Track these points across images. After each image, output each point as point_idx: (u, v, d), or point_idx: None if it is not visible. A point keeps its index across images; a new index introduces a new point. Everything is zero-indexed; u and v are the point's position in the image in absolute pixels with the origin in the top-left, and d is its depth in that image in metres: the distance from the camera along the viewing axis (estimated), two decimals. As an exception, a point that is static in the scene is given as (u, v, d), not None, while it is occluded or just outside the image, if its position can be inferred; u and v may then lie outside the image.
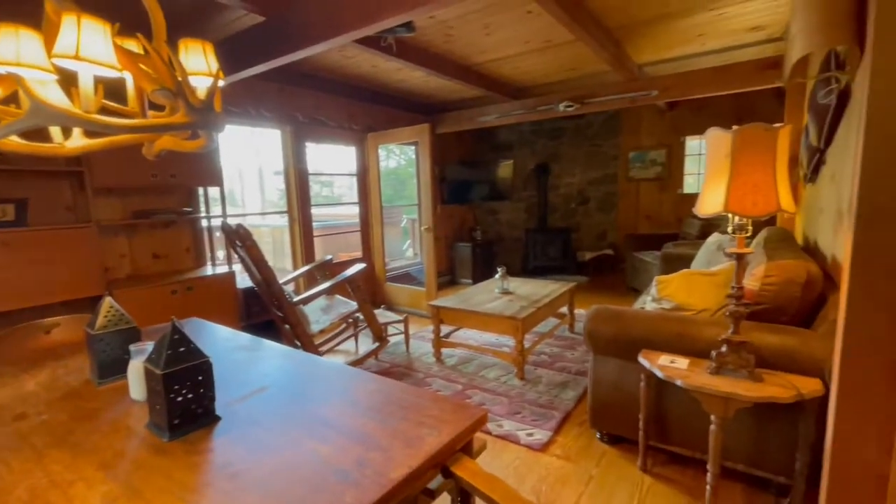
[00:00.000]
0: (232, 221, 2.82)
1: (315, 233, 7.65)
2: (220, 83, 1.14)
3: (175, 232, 3.20)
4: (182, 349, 1.03)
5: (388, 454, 0.90)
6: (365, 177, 4.85)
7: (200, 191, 3.34)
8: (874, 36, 1.01)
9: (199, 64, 1.07)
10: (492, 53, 3.60)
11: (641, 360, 1.76)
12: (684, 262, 3.62)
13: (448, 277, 6.12)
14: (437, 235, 5.99)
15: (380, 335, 3.23)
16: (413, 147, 5.80)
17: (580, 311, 4.36)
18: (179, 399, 1.01)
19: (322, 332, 3.23)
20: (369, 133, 4.70)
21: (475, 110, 5.05)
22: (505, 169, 6.47)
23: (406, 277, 5.30)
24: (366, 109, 4.60)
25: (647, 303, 2.18)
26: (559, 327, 3.66)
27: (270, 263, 2.80)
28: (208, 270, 3.25)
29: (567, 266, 6.26)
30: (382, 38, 2.77)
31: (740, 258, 1.55)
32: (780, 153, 1.40)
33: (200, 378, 1.04)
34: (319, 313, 3.33)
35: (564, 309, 3.78)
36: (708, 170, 1.55)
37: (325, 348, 3.49)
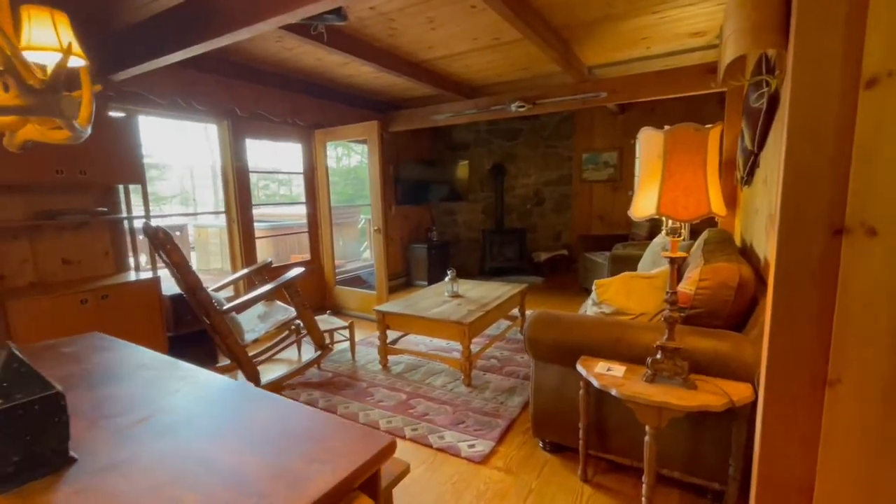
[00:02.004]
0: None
1: (266, 233, 7.35)
2: (80, 62, 0.96)
3: (90, 234, 2.90)
4: (21, 381, 0.85)
5: (264, 502, 0.76)
6: (312, 175, 4.63)
7: (131, 188, 3.05)
8: (794, 42, 0.97)
9: (45, 36, 0.89)
10: (440, 50, 3.49)
11: (579, 367, 1.70)
12: (632, 262, 3.65)
13: (404, 279, 5.98)
14: (393, 237, 5.84)
15: (321, 343, 3.05)
16: (366, 145, 5.62)
17: (533, 312, 4.34)
18: (17, 441, 0.83)
19: (258, 341, 3.03)
20: (316, 130, 4.49)
21: (429, 108, 4.94)
22: (463, 169, 6.40)
23: (357, 280, 5.11)
24: (313, 105, 4.39)
25: (588, 307, 2.13)
26: (510, 329, 3.61)
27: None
28: (131, 276, 2.97)
29: (523, 267, 6.26)
30: (312, 25, 2.61)
31: (674, 262, 1.51)
32: (711, 154, 1.37)
33: (47, 415, 0.87)
34: (256, 321, 3.12)
35: (517, 311, 3.74)
36: (641, 171, 1.50)
37: (263, 358, 3.28)
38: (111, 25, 2.68)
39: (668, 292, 1.52)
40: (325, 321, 3.45)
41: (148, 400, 1.19)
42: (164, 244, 2.40)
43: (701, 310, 1.70)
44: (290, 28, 2.60)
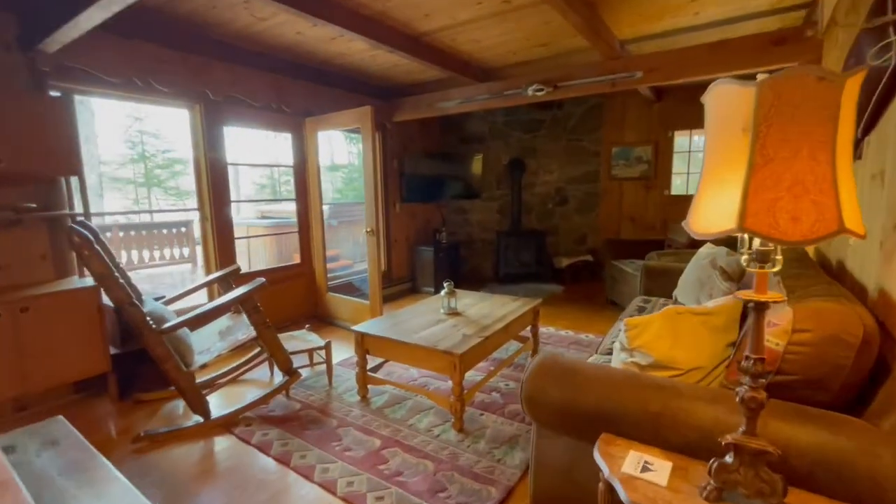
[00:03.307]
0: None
1: (262, 232, 6.94)
2: None
3: (23, 235, 2.49)
4: None
5: None
6: (303, 169, 4.16)
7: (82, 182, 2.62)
8: None
9: None
10: (439, 18, 2.93)
11: (598, 457, 1.12)
12: (670, 278, 3.00)
13: (409, 285, 5.46)
14: (397, 238, 5.32)
15: (287, 368, 2.55)
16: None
17: (549, 330, 3.74)
18: None
19: (210, 364, 2.56)
20: (307, 118, 4.01)
21: (437, 94, 4.39)
22: (476, 164, 5.82)
23: (349, 287, 4.62)
24: (303, 89, 3.90)
25: (615, 351, 1.54)
26: (520, 354, 3.02)
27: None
28: (75, 283, 2.55)
29: (542, 273, 5.63)
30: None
31: (760, 310, 0.91)
32: (845, 124, 0.76)
33: None
34: (215, 338, 2.64)
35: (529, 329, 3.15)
36: (708, 157, 0.90)
37: (226, 380, 2.81)
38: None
39: (747, 357, 0.93)
40: (301, 338, 2.96)
41: None
42: (81, 249, 1.94)
43: (794, 377, 1.09)
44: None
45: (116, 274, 2.06)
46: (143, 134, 10.96)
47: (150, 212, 9.59)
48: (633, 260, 4.28)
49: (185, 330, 2.55)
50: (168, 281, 6.77)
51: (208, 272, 3.48)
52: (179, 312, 2.49)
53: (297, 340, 2.94)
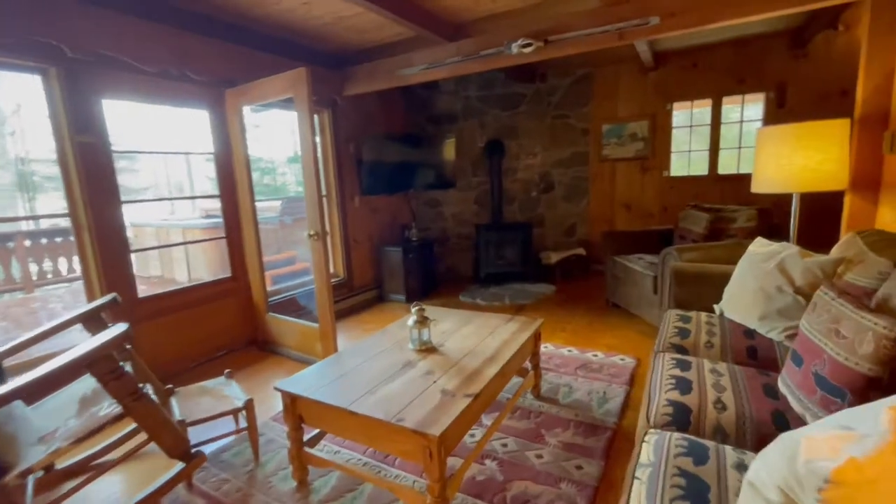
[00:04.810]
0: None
1: (200, 236, 5.79)
2: None
3: None
4: None
5: None
6: (227, 157, 3.23)
7: None
8: None
9: None
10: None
11: None
12: (712, 283, 2.29)
13: (374, 292, 4.62)
14: (358, 238, 4.46)
15: (181, 452, 1.70)
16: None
17: (547, 348, 3.00)
18: None
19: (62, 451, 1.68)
20: (228, 89, 3.08)
21: (397, 59, 3.53)
22: (449, 148, 4.99)
23: (294, 304, 3.74)
24: (220, 52, 2.97)
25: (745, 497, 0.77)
26: (519, 395, 2.25)
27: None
28: None
29: (528, 272, 4.90)
30: None
31: None
32: None
33: None
34: (72, 411, 1.75)
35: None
36: None
37: (106, 463, 1.93)
38: None
39: None
40: (216, 393, 2.11)
41: None
42: None
43: None
44: None
45: None
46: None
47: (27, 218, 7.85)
48: (640, 255, 3.58)
49: (18, 406, 1.67)
50: (54, 307, 5.24)
51: (90, 299, 2.55)
52: (19, 369, 1.61)
53: (210, 396, 2.08)
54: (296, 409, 1.70)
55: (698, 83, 4.44)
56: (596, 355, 2.90)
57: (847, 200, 2.32)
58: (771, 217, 3.17)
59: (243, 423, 2.05)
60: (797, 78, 4.06)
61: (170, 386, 2.08)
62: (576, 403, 2.32)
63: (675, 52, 4.38)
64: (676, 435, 1.23)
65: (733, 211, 3.35)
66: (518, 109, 5.08)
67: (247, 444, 2.06)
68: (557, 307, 4.02)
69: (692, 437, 1.22)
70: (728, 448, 1.17)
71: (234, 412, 1.95)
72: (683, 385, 1.48)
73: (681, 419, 1.33)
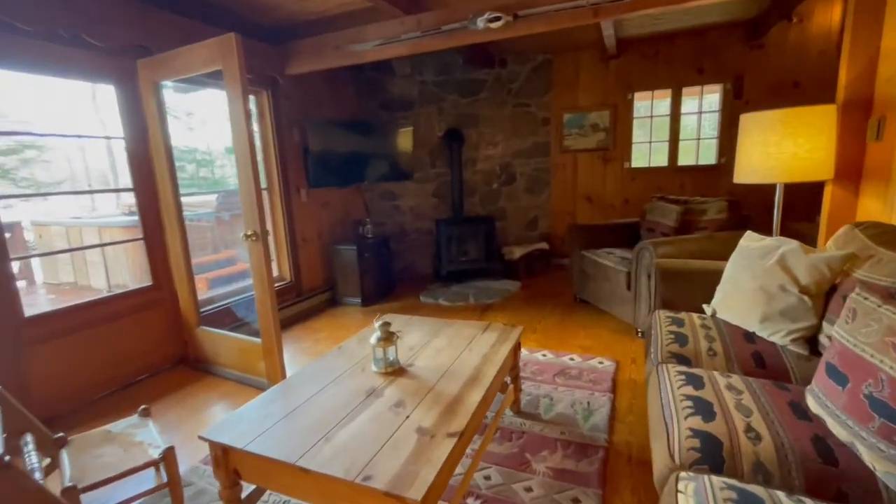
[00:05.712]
0: None
1: (121, 235, 5.07)
2: None
3: None
4: None
5: None
6: (142, 142, 2.70)
7: None
8: None
9: None
10: None
11: None
12: (698, 280, 2.13)
13: (327, 295, 4.20)
14: (307, 236, 4.01)
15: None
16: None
17: (523, 353, 2.76)
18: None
19: None
20: (139, 60, 2.55)
21: (347, 33, 3.12)
22: (405, 137, 4.63)
23: (230, 315, 3.26)
24: (128, 12, 2.43)
25: None
26: (501, 415, 1.97)
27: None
28: None
29: (492, 268, 4.66)
30: None
31: None
32: None
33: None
34: None
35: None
36: None
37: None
38: None
39: None
40: (125, 439, 1.66)
41: None
42: None
43: None
44: None
45: None
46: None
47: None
48: (609, 250, 3.43)
49: None
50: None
51: (-46, 323, 1.98)
52: None
53: (117, 445, 1.63)
54: (229, 464, 1.32)
55: (659, 73, 4.37)
56: (573, 359, 2.70)
57: (828, 191, 2.24)
58: (740, 209, 3.11)
59: (165, 476, 1.63)
60: (754, 69, 4.07)
61: (60, 434, 1.62)
62: (559, 418, 2.09)
63: (638, 38, 4.28)
64: (716, 480, 1.00)
65: (702, 203, 3.26)
66: (478, 96, 4.80)
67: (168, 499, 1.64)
68: (525, 305, 3.81)
69: (735, 483, 0.99)
70: (781, 495, 0.95)
71: (149, 465, 1.53)
72: (703, 408, 1.27)
73: (712, 455, 1.11)
